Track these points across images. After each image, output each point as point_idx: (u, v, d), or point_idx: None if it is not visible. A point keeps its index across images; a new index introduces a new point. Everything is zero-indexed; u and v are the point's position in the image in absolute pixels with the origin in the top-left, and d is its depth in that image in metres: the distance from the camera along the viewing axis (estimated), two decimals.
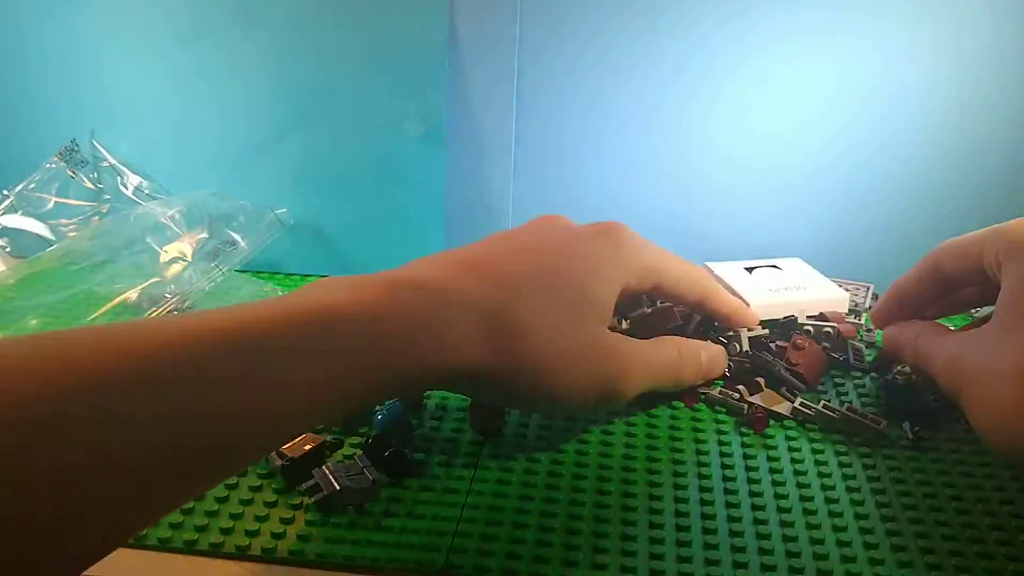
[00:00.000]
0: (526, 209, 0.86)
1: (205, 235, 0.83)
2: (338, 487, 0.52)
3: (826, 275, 0.85)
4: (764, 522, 0.52)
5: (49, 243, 0.85)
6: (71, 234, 0.85)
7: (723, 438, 0.61)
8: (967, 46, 0.76)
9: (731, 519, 0.53)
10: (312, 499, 0.52)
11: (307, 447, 0.55)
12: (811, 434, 0.62)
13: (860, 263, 0.84)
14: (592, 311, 0.53)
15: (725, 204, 0.83)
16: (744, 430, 0.62)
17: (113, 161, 0.88)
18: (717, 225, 0.84)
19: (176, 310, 0.77)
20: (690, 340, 0.63)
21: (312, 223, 0.87)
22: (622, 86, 0.81)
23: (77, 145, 0.87)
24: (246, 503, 0.53)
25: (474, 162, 0.86)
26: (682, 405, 0.65)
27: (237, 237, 0.83)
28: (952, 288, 0.59)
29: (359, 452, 0.56)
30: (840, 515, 0.53)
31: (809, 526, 0.52)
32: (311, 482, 0.53)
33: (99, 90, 0.87)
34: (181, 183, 0.88)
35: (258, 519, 0.52)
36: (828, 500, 0.55)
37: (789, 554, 0.50)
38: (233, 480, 0.54)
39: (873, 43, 0.77)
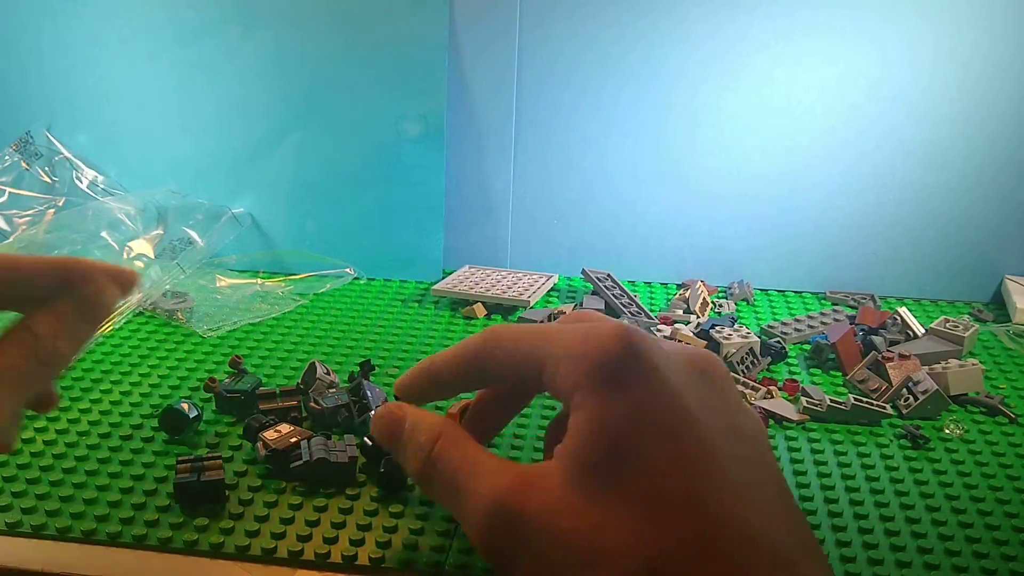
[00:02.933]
0: (526, 209, 0.86)
1: (161, 232, 0.83)
2: (317, 457, 0.53)
3: (828, 282, 0.85)
4: None
5: (3, 234, 0.85)
6: (24, 226, 0.85)
7: None
8: (966, 47, 0.76)
9: None
10: (292, 465, 0.54)
11: (292, 440, 0.55)
12: (811, 434, 0.62)
13: (860, 263, 0.84)
14: None
15: (725, 204, 0.83)
16: None
17: (68, 155, 0.88)
18: (716, 225, 0.84)
19: (140, 308, 0.77)
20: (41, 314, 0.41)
21: (312, 223, 0.87)
22: (622, 86, 0.81)
23: (32, 137, 0.88)
24: (246, 503, 0.53)
25: (474, 162, 0.86)
26: None
27: (194, 235, 0.83)
28: (494, 383, 0.44)
29: (347, 436, 0.57)
30: (839, 515, 0.53)
31: (809, 526, 0.52)
32: (296, 451, 0.55)
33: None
34: (183, 184, 0.88)
35: (258, 519, 0.52)
36: (827, 500, 0.55)
37: None
38: (233, 480, 0.55)
39: (872, 44, 0.77)
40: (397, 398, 0.44)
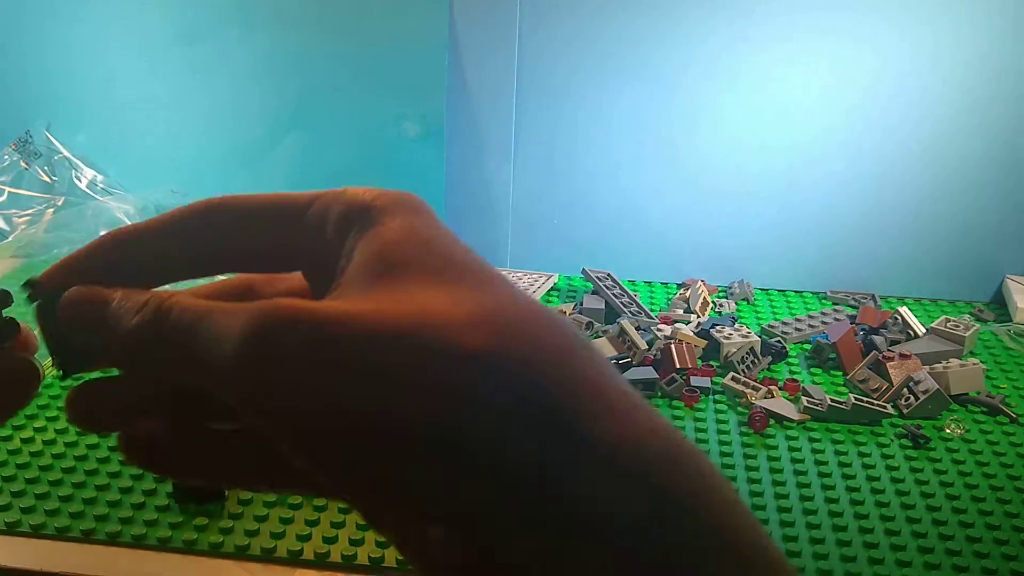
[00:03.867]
0: (526, 208, 0.86)
1: None
2: None
3: (828, 281, 0.85)
4: (764, 521, 0.53)
5: (3, 233, 0.85)
6: (23, 225, 0.85)
7: (723, 438, 0.61)
8: (966, 48, 0.76)
9: None
10: None
11: None
12: (811, 434, 0.62)
13: (861, 263, 0.84)
14: None
15: (725, 204, 0.83)
16: (744, 430, 0.62)
17: (67, 154, 0.88)
18: (717, 225, 0.84)
19: None
20: None
21: None
22: (622, 87, 0.81)
23: (31, 137, 0.87)
24: (245, 503, 0.53)
25: (474, 162, 0.86)
26: (683, 405, 0.65)
27: None
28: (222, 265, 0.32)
29: None
30: (840, 515, 0.53)
31: (809, 525, 0.52)
32: None
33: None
34: (183, 184, 0.88)
35: (258, 519, 0.52)
36: (828, 500, 0.55)
37: (789, 553, 0.50)
38: None
39: (872, 45, 0.77)
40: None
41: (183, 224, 0.30)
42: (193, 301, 0.28)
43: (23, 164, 0.87)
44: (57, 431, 0.60)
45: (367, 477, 0.24)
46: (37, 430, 0.60)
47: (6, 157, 0.87)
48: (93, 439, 0.59)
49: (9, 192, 0.87)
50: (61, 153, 0.88)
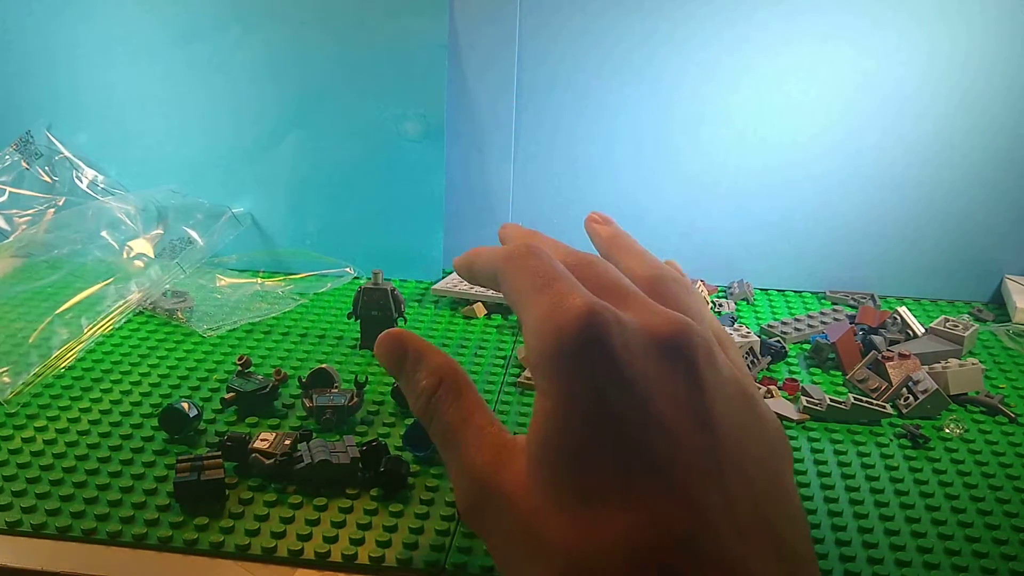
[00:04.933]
0: (526, 208, 0.86)
1: (161, 231, 0.83)
2: (320, 459, 0.54)
3: (827, 281, 0.85)
4: None
5: (3, 233, 0.85)
6: (24, 226, 0.85)
7: None
8: (965, 46, 0.76)
9: None
10: (295, 468, 0.54)
11: (287, 443, 0.56)
12: (811, 434, 0.62)
13: (860, 262, 0.84)
14: None
15: (725, 204, 0.83)
16: None
17: (68, 154, 0.88)
18: (716, 225, 0.84)
19: (140, 307, 0.77)
20: None
21: (312, 222, 0.87)
22: (622, 87, 0.81)
23: (32, 137, 0.88)
24: (246, 502, 0.53)
25: (474, 161, 0.86)
26: None
27: (194, 235, 0.84)
28: None
29: (346, 436, 0.57)
30: (839, 514, 0.53)
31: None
32: (297, 454, 0.55)
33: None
34: (183, 184, 0.88)
35: (258, 519, 0.52)
36: (827, 500, 0.55)
37: None
38: (233, 480, 0.55)
39: (871, 44, 0.77)
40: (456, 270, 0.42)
41: (492, 273, 0.38)
42: (450, 411, 0.36)
43: (24, 164, 0.87)
44: (58, 431, 0.60)
45: None
46: (38, 430, 0.60)
47: (7, 157, 0.87)
48: (94, 439, 0.59)
49: (10, 192, 0.87)
50: (62, 153, 0.88)
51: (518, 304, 0.35)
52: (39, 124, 0.88)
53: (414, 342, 0.39)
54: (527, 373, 0.68)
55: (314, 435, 0.58)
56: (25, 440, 0.59)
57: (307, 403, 0.61)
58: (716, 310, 0.80)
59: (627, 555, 0.29)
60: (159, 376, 0.68)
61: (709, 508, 0.30)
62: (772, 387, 0.66)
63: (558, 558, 0.30)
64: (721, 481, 0.31)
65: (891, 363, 0.67)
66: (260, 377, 0.64)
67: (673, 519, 0.29)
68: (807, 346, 0.74)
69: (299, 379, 0.64)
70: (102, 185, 0.88)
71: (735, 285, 0.84)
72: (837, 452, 0.60)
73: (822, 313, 0.79)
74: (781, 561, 0.30)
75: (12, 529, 0.51)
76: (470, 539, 0.50)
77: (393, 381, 0.65)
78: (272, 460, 0.54)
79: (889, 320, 0.75)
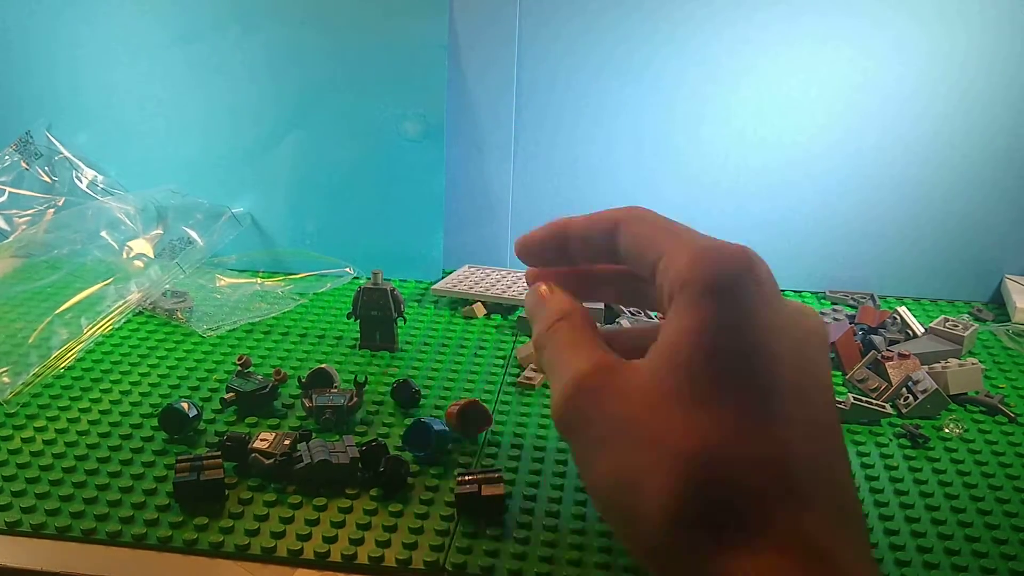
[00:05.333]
0: (526, 208, 0.86)
1: (160, 231, 0.83)
2: (319, 459, 0.54)
3: (827, 281, 0.85)
4: None
5: (3, 233, 0.85)
6: (24, 226, 0.85)
7: None
8: (964, 47, 0.76)
9: None
10: (295, 468, 0.54)
11: (286, 443, 0.56)
12: None
13: (860, 262, 0.84)
14: None
15: (724, 203, 0.83)
16: None
17: (68, 154, 0.88)
18: (716, 225, 0.84)
19: (140, 307, 0.77)
20: None
21: (312, 222, 0.87)
22: (622, 87, 0.81)
23: (31, 137, 0.88)
24: (246, 503, 0.53)
25: (474, 162, 0.86)
26: None
27: (194, 235, 0.84)
28: (620, 263, 0.42)
29: (346, 436, 0.57)
30: None
31: None
32: (296, 454, 0.55)
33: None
34: (183, 184, 0.88)
35: (258, 519, 0.52)
36: None
37: None
38: (233, 480, 0.55)
39: (871, 45, 0.77)
40: (517, 253, 0.45)
41: (598, 233, 0.41)
42: (567, 334, 0.39)
43: (23, 164, 0.87)
44: (58, 431, 0.60)
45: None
46: (38, 430, 0.60)
47: (7, 157, 0.87)
48: (94, 439, 0.59)
49: (10, 192, 0.87)
50: (61, 153, 0.88)
51: (656, 242, 0.37)
52: (39, 124, 0.88)
53: (553, 290, 0.42)
54: (527, 373, 0.68)
55: (314, 435, 0.58)
56: (25, 440, 0.59)
57: (307, 403, 0.61)
58: None
59: (750, 459, 0.32)
60: (159, 376, 0.68)
61: (817, 462, 0.33)
62: None
63: (684, 457, 0.32)
64: (816, 442, 0.34)
65: (891, 363, 0.67)
66: (260, 377, 0.64)
67: (794, 455, 0.32)
68: None
69: (299, 379, 0.64)
70: (102, 185, 0.88)
71: None
72: None
73: (822, 313, 0.79)
74: (840, 511, 0.33)
75: (12, 529, 0.51)
76: (469, 539, 0.50)
77: (393, 381, 0.65)
78: (272, 460, 0.54)
79: (889, 320, 0.75)
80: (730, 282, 0.34)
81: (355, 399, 0.62)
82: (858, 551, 0.32)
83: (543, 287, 0.42)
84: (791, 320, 0.36)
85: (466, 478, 0.52)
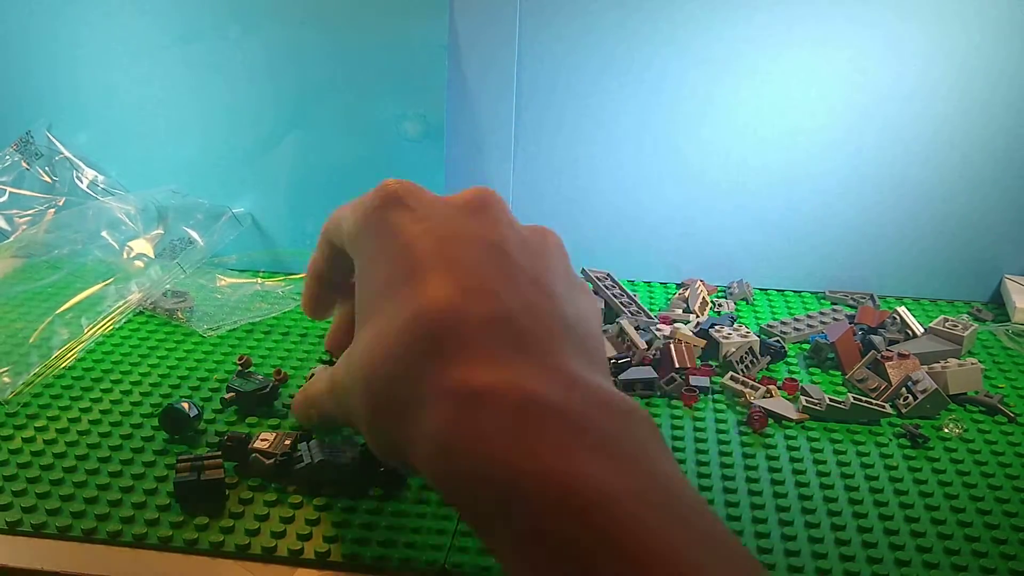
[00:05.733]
0: (526, 208, 0.86)
1: (161, 232, 0.83)
2: (319, 459, 0.54)
3: (827, 281, 0.85)
4: (763, 521, 0.53)
5: (3, 234, 0.85)
6: (24, 226, 0.85)
7: (722, 437, 0.61)
8: (965, 46, 0.76)
9: (730, 518, 0.53)
10: (295, 467, 0.54)
11: (287, 443, 0.56)
12: (810, 433, 0.62)
13: (860, 262, 0.84)
14: None
15: (724, 204, 0.84)
16: (743, 429, 0.62)
17: (68, 154, 0.88)
18: (716, 225, 0.84)
19: (140, 307, 0.77)
20: None
21: (312, 222, 0.87)
22: (622, 87, 0.81)
23: (32, 137, 0.88)
24: (246, 502, 0.53)
25: (474, 162, 0.86)
26: (682, 404, 0.65)
27: (195, 235, 0.84)
28: None
29: (346, 434, 0.57)
30: (838, 514, 0.53)
31: (808, 525, 0.52)
32: (296, 454, 0.55)
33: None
34: (183, 184, 0.88)
35: (259, 518, 0.52)
36: (827, 499, 0.55)
37: (788, 553, 0.50)
38: (233, 479, 0.55)
39: (871, 44, 0.77)
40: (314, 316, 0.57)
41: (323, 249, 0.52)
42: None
43: (24, 164, 0.87)
44: (58, 431, 0.60)
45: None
46: (38, 430, 0.60)
47: (7, 158, 0.87)
48: (94, 438, 0.59)
49: (10, 192, 0.87)
50: (62, 153, 0.88)
51: (338, 212, 0.47)
52: (39, 124, 0.88)
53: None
54: None
55: (313, 435, 0.58)
56: (25, 440, 0.59)
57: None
58: (716, 310, 0.80)
59: (405, 323, 0.38)
60: (159, 376, 0.68)
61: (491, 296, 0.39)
62: (771, 387, 0.66)
63: (418, 302, 0.38)
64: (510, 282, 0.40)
65: (890, 363, 0.67)
66: (260, 377, 0.64)
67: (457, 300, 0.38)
68: (806, 346, 0.75)
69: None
70: (102, 185, 0.88)
71: (734, 285, 0.84)
72: (836, 452, 0.60)
73: (821, 313, 0.79)
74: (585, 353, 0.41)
75: (12, 529, 0.51)
76: (469, 539, 0.50)
77: None
78: (272, 460, 0.55)
79: (888, 320, 0.76)
80: (372, 215, 0.42)
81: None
82: (594, 370, 0.38)
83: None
84: (529, 232, 0.44)
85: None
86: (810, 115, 0.80)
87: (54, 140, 0.88)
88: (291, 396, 0.65)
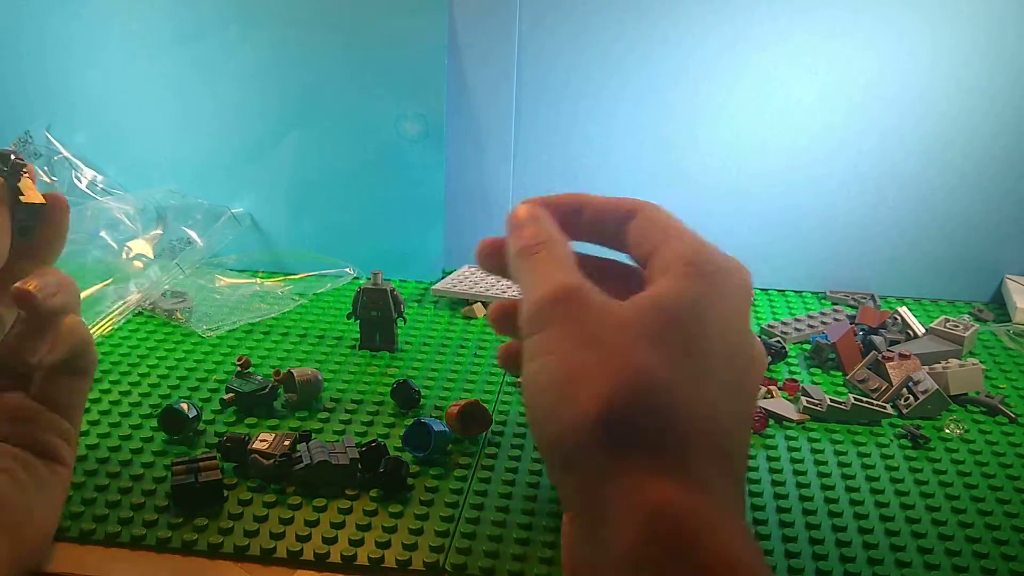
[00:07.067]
0: None
1: (160, 232, 0.83)
2: (318, 460, 0.53)
3: (828, 281, 0.85)
4: (763, 522, 0.53)
5: None
6: None
7: None
8: (965, 46, 0.76)
9: None
10: (294, 468, 0.54)
11: (286, 443, 0.55)
12: (811, 434, 0.62)
13: (860, 263, 0.84)
14: None
15: (725, 204, 0.83)
16: None
17: (67, 154, 0.88)
18: (717, 225, 0.84)
19: (140, 308, 0.77)
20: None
21: (311, 222, 0.87)
22: (622, 86, 0.81)
23: (31, 137, 0.87)
24: (245, 503, 0.53)
25: (474, 162, 0.86)
26: None
27: (194, 235, 0.83)
28: (618, 248, 0.46)
29: (345, 435, 0.57)
30: (839, 515, 0.53)
31: (808, 526, 0.52)
32: (296, 455, 0.55)
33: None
34: (183, 184, 0.88)
35: (257, 520, 0.52)
36: (827, 500, 0.55)
37: (788, 554, 0.50)
38: (232, 481, 0.55)
39: (872, 44, 0.77)
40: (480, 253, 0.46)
41: (614, 216, 0.44)
42: (563, 254, 0.41)
43: None
44: None
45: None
46: None
47: None
48: (93, 439, 0.59)
49: None
50: (61, 153, 0.88)
51: (665, 233, 0.43)
52: (38, 125, 0.88)
53: (538, 209, 0.44)
54: None
55: (313, 436, 0.58)
56: None
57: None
58: None
59: (690, 404, 0.36)
60: (158, 377, 0.68)
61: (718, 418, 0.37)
62: (772, 387, 0.66)
63: (628, 365, 0.36)
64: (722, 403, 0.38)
65: (891, 363, 0.67)
66: (259, 378, 0.64)
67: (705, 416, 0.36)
68: (807, 346, 0.74)
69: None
70: (101, 185, 0.88)
71: None
72: (837, 452, 0.60)
73: (822, 313, 0.79)
74: (730, 467, 0.37)
75: None
76: (469, 540, 0.50)
77: (393, 381, 0.65)
78: (271, 461, 0.54)
79: (889, 320, 0.75)
80: (722, 277, 0.40)
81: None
82: (733, 500, 0.36)
83: (538, 208, 0.44)
84: (742, 331, 0.41)
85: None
86: (811, 116, 0.80)
87: (53, 140, 0.88)
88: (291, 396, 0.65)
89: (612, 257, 0.46)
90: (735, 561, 0.33)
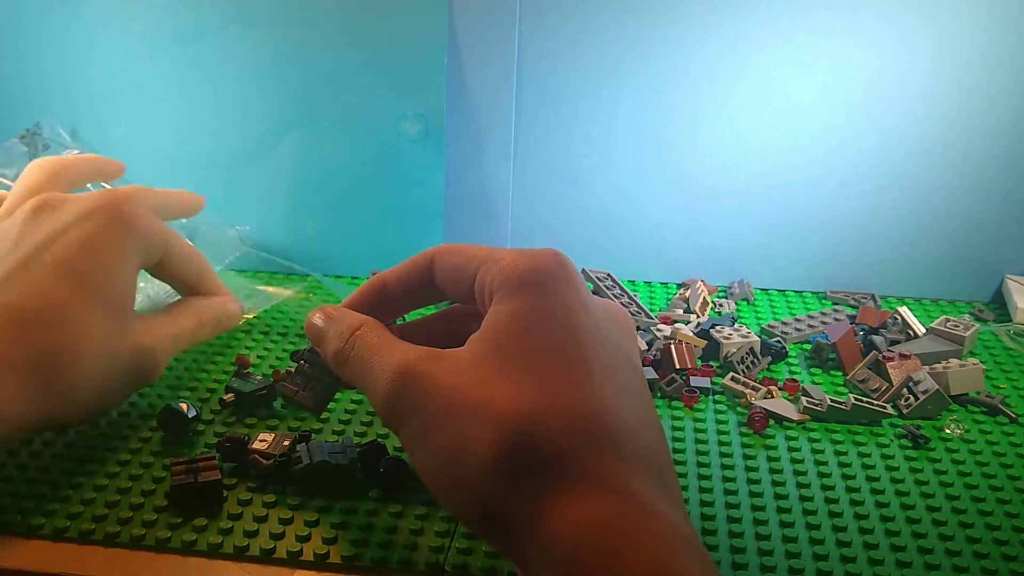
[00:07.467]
0: (526, 209, 0.86)
1: None
2: (318, 460, 0.53)
3: (828, 281, 0.85)
4: (764, 522, 0.52)
5: None
6: None
7: (723, 438, 0.61)
8: (966, 46, 0.76)
9: (731, 519, 0.53)
10: (294, 468, 0.54)
11: (286, 443, 0.55)
12: (811, 434, 0.62)
13: (861, 262, 0.84)
14: (116, 301, 0.54)
15: (725, 203, 0.83)
16: (744, 430, 0.62)
17: (75, 150, 0.87)
18: (717, 225, 0.84)
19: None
20: (211, 299, 0.65)
21: (311, 223, 0.87)
22: (622, 86, 0.81)
23: (40, 128, 0.87)
24: (245, 503, 0.53)
25: (474, 162, 0.86)
26: (683, 405, 0.65)
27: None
28: (439, 297, 0.49)
29: (345, 435, 0.57)
30: (840, 515, 0.53)
31: (809, 526, 0.52)
32: (295, 455, 0.54)
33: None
34: (183, 184, 0.88)
35: (257, 520, 0.52)
36: (828, 500, 0.55)
37: (789, 555, 0.50)
38: (232, 480, 0.55)
39: (872, 44, 0.77)
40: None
41: (415, 274, 0.46)
42: (374, 338, 0.43)
43: (31, 158, 0.87)
44: (55, 432, 0.60)
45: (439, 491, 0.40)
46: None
47: (13, 150, 0.87)
48: (92, 439, 0.59)
49: (11, 186, 0.87)
50: (69, 149, 0.87)
51: (471, 261, 0.43)
52: (41, 123, 0.88)
53: (328, 309, 0.47)
54: None
55: (313, 436, 0.58)
56: (22, 442, 0.59)
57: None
58: (716, 310, 0.80)
59: (567, 415, 0.36)
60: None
61: (628, 417, 0.37)
62: (772, 387, 0.66)
63: (510, 415, 0.36)
64: (627, 401, 0.39)
65: (892, 363, 0.67)
66: (259, 378, 0.64)
67: (610, 412, 0.37)
68: (807, 346, 0.74)
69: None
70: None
71: (735, 285, 0.84)
72: (837, 452, 0.60)
73: (822, 313, 0.79)
74: (649, 465, 0.37)
75: (8, 531, 0.51)
76: (470, 540, 0.50)
77: None
78: (271, 461, 0.54)
79: (890, 320, 0.75)
80: (542, 277, 0.39)
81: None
82: (669, 500, 0.36)
83: (328, 308, 0.47)
84: (598, 310, 0.41)
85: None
86: (811, 116, 0.80)
87: (63, 132, 0.87)
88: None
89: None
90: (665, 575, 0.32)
